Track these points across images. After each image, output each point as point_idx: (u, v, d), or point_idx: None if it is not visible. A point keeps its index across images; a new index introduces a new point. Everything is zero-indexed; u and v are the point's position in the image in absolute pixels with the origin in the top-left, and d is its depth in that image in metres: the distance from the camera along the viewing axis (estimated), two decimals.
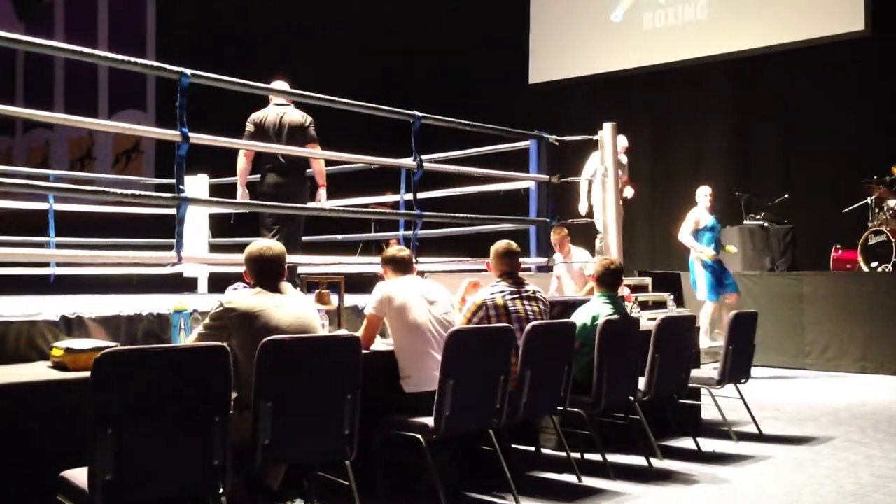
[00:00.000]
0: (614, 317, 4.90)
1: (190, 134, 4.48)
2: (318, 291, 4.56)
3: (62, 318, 3.85)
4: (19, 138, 18.90)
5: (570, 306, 5.62)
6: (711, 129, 12.08)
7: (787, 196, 10.31)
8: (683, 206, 11.98)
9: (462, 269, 6.96)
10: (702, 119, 12.15)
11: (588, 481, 4.51)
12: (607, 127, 6.76)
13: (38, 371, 3.46)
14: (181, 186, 4.51)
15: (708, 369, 6.27)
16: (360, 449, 3.44)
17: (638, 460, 4.93)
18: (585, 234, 8.37)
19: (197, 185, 7.85)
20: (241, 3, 14.58)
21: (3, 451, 3.03)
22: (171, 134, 4.54)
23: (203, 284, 7.91)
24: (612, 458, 4.80)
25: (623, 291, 6.25)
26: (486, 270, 5.09)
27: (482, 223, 7.02)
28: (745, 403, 5.75)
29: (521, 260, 4.96)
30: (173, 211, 4.58)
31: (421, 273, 4.88)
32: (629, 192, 8.91)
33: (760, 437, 5.62)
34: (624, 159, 8.83)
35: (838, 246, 9.77)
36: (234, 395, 3.08)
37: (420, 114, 5.74)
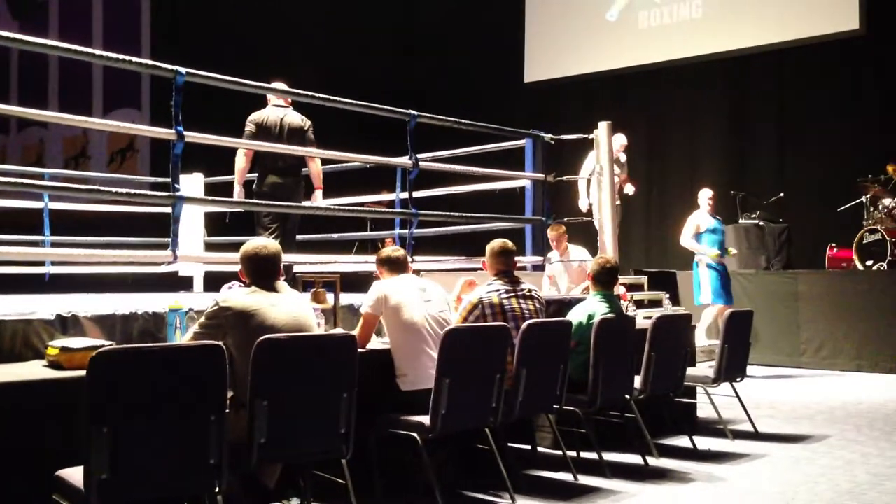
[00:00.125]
0: (610, 315, 4.90)
1: (185, 132, 4.48)
2: (313, 290, 4.56)
3: (57, 317, 3.84)
4: (13, 137, 18.85)
5: (566, 305, 5.63)
6: (707, 128, 12.10)
7: (782, 195, 10.33)
8: (679, 205, 12.02)
9: (458, 267, 6.97)
10: (697, 118, 12.17)
11: (584, 480, 4.51)
12: (603, 126, 6.76)
13: (33, 370, 3.45)
14: (176, 185, 4.50)
15: (704, 368, 6.28)
16: (356, 448, 3.44)
17: (634, 459, 4.93)
18: (585, 233, 8.36)
19: (192, 183, 7.85)
20: (237, 1, 14.55)
21: None
22: (166, 132, 4.53)
23: (198, 283, 7.91)
24: (608, 456, 4.80)
25: (619, 290, 6.26)
26: (481, 269, 5.09)
27: (478, 222, 7.02)
28: (740, 402, 5.75)
29: (516, 258, 4.96)
30: (168, 210, 4.56)
31: (417, 272, 4.88)
32: (630, 189, 8.91)
33: (756, 436, 5.62)
34: (622, 157, 8.84)
35: (833, 244, 9.79)
36: (229, 394, 3.08)
37: (415, 112, 5.74)
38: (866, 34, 10.61)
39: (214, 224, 8.23)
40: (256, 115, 5.99)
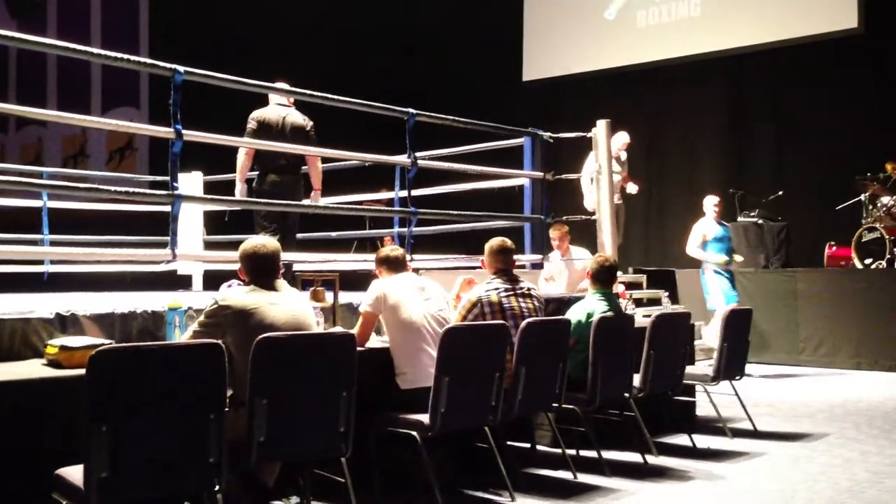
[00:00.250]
0: (609, 314, 4.90)
1: (184, 131, 4.48)
2: (312, 289, 4.55)
3: (56, 316, 3.84)
4: (12, 135, 18.84)
5: (565, 303, 5.63)
6: (705, 127, 12.10)
7: (781, 193, 10.33)
8: (677, 204, 12.04)
9: (457, 266, 6.97)
10: (696, 116, 12.17)
11: (583, 478, 4.51)
12: (601, 124, 6.76)
13: (32, 369, 3.45)
14: (175, 184, 4.50)
15: (703, 366, 6.28)
16: (355, 446, 3.44)
17: (633, 457, 4.94)
18: (588, 232, 8.34)
19: (191, 182, 7.85)
20: (237, 1, 14.54)
21: None
22: (164, 131, 4.52)
23: (198, 282, 7.91)
24: (608, 454, 4.80)
25: (618, 288, 6.26)
26: (480, 267, 5.09)
27: (477, 220, 7.03)
28: (739, 400, 5.75)
29: (515, 257, 4.96)
30: (167, 208, 4.57)
31: (416, 270, 4.88)
32: (633, 188, 8.88)
33: (755, 434, 5.63)
34: (623, 156, 8.82)
35: (832, 243, 9.79)
36: (229, 393, 3.08)
37: (414, 111, 5.74)
38: (865, 32, 10.60)
39: (213, 222, 8.23)
40: (258, 113, 5.99)
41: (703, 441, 5.37)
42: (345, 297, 4.91)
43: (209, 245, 8.04)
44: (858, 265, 9.35)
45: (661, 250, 12.01)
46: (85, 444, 2.64)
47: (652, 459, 4.93)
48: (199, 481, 2.93)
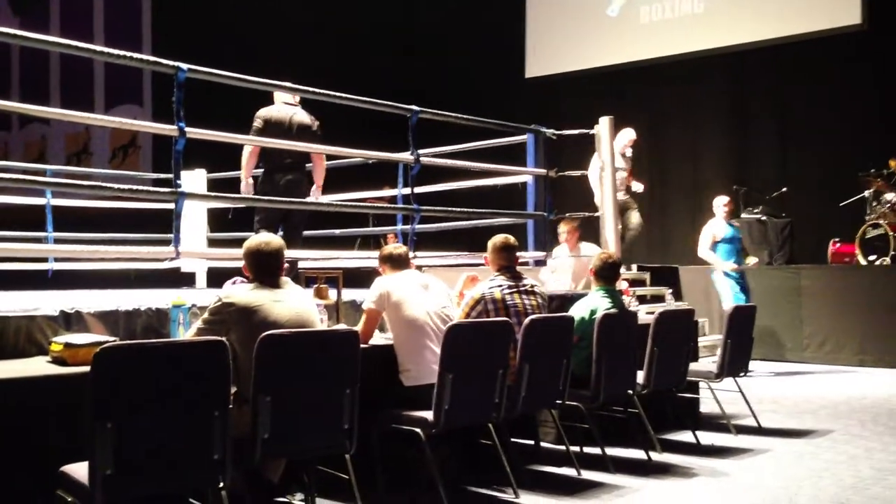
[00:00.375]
0: (613, 310, 4.90)
1: (187, 129, 4.48)
2: (316, 286, 4.55)
3: (61, 313, 3.85)
4: (15, 133, 18.86)
5: (569, 300, 5.62)
6: (708, 123, 12.08)
7: (784, 189, 10.31)
8: (681, 200, 12.03)
9: (460, 263, 6.97)
10: (699, 113, 12.15)
11: (587, 475, 4.51)
12: (604, 121, 6.75)
13: (37, 366, 3.46)
14: (178, 181, 4.50)
15: (706, 363, 6.28)
16: (359, 443, 3.45)
17: (637, 454, 4.94)
18: (591, 228, 8.32)
19: (195, 179, 7.84)
20: (238, 0, 14.53)
21: (3, 446, 3.03)
22: (168, 129, 4.53)
23: (201, 279, 7.91)
24: (612, 451, 4.81)
25: (621, 285, 6.25)
26: (483, 265, 5.09)
27: (480, 217, 7.02)
28: (743, 397, 5.75)
29: (518, 254, 4.96)
30: (171, 206, 4.57)
31: (419, 267, 4.88)
32: (638, 186, 8.87)
33: (759, 431, 5.63)
34: (629, 152, 8.80)
35: (836, 239, 9.78)
36: (233, 390, 3.08)
37: (417, 108, 5.74)
38: (867, 28, 10.58)
39: (217, 220, 8.23)
40: (265, 112, 5.99)
41: (706, 438, 5.37)
42: (348, 294, 4.91)
43: (213, 242, 8.04)
44: (862, 262, 9.34)
45: (664, 247, 12.00)
46: (89, 441, 2.64)
47: (656, 456, 4.93)
48: (203, 478, 2.94)
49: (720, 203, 8.66)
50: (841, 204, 9.84)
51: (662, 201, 12.27)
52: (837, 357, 8.92)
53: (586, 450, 4.92)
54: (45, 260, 7.42)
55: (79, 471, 2.78)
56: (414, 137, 5.74)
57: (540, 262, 7.48)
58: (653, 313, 5.37)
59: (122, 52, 4.48)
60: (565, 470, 4.60)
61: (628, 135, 8.65)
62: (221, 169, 7.93)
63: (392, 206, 8.13)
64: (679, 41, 12.03)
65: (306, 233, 6.39)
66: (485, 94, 12.83)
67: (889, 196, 9.41)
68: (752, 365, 6.17)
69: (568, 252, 7.81)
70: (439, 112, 6.05)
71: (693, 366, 5.59)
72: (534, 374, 4.27)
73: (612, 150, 6.79)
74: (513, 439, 4.60)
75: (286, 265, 3.73)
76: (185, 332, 3.76)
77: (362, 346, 3.55)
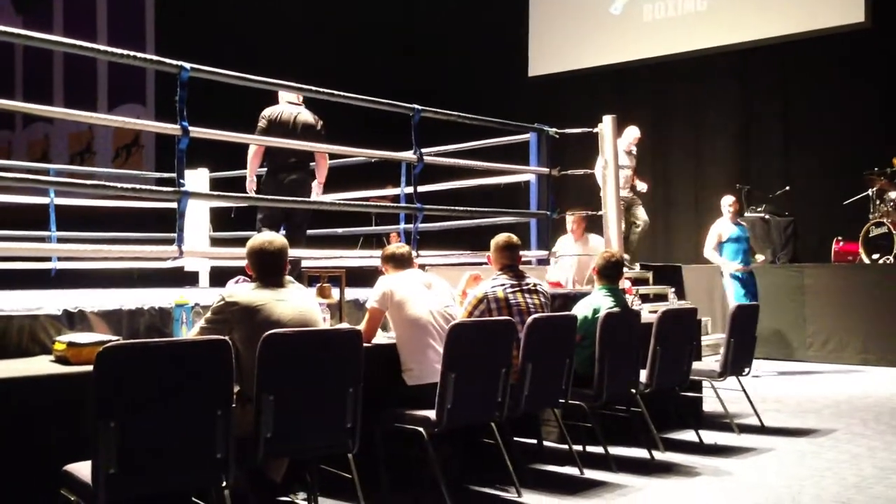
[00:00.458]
0: (615, 309, 4.90)
1: (190, 128, 4.48)
2: (319, 285, 4.56)
3: (64, 313, 3.85)
4: (19, 133, 18.89)
5: (571, 299, 5.62)
6: (712, 122, 12.07)
7: (787, 188, 10.31)
8: (684, 199, 12.02)
9: (463, 262, 6.96)
10: (702, 111, 12.13)
11: (590, 474, 4.51)
12: (607, 120, 6.75)
13: (40, 365, 3.47)
14: (181, 180, 4.51)
15: (709, 362, 6.28)
16: (362, 442, 3.45)
17: (640, 453, 4.94)
18: (595, 226, 8.31)
19: (197, 179, 7.85)
20: (240, 0, 14.54)
21: (7, 445, 3.03)
22: (171, 128, 4.53)
23: (204, 278, 7.92)
24: (614, 450, 4.81)
25: (624, 284, 6.25)
26: (486, 263, 5.08)
27: (482, 216, 7.02)
28: (746, 396, 5.75)
29: (521, 253, 4.96)
30: (174, 205, 4.57)
31: (422, 266, 4.88)
32: (642, 186, 8.87)
33: (762, 430, 5.63)
34: (634, 150, 8.80)
35: (839, 238, 9.77)
36: (236, 389, 3.09)
37: (419, 107, 5.74)
38: (872, 26, 10.56)
39: (220, 219, 8.24)
40: (269, 111, 5.99)
41: (709, 437, 5.37)
42: (351, 293, 4.91)
43: (216, 241, 8.05)
44: (866, 260, 9.33)
45: (667, 246, 11.99)
46: (93, 441, 2.65)
47: (659, 455, 4.93)
48: (206, 477, 2.94)
49: (727, 203, 8.64)
50: (844, 202, 9.83)
51: (665, 200, 12.26)
52: (840, 356, 8.92)
53: (589, 449, 4.92)
54: (48, 259, 7.43)
55: (82, 470, 2.79)
56: (416, 136, 5.74)
57: (543, 261, 7.48)
58: (656, 312, 5.37)
59: (125, 52, 4.49)
60: (568, 469, 4.60)
61: (633, 132, 8.65)
62: (224, 168, 7.94)
63: (395, 205, 8.13)
64: (682, 39, 12.01)
65: (309, 232, 6.39)
66: (487, 92, 12.82)
67: (893, 194, 9.40)
68: (755, 364, 6.15)
69: (573, 242, 7.82)
70: (442, 111, 6.05)
71: (696, 365, 5.58)
72: (536, 373, 4.27)
73: (615, 148, 6.79)
74: (515, 438, 4.61)
75: (289, 264, 3.73)
76: (188, 332, 3.76)
77: (365, 345, 3.54)
